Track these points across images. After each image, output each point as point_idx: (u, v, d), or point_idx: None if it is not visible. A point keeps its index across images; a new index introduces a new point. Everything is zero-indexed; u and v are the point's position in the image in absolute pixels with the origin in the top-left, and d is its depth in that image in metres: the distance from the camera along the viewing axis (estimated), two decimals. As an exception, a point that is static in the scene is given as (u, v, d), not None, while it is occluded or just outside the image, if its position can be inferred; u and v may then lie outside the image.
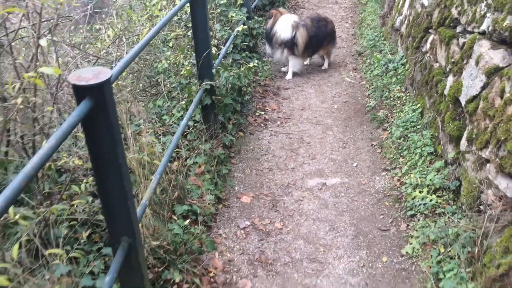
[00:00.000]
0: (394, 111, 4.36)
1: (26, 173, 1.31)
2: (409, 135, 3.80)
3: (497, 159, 2.47)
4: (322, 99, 5.20)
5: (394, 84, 4.64)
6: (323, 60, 6.04)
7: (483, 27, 2.99)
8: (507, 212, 2.42)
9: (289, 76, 5.72)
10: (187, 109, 3.69)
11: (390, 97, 4.56)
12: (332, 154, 4.14)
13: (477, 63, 2.94)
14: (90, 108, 1.63)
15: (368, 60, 5.71)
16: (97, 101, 1.64)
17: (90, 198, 2.58)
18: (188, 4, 3.52)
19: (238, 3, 5.40)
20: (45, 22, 2.61)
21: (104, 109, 1.67)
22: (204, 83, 3.52)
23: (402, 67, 4.75)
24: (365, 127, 4.52)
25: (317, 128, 4.59)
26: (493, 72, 2.75)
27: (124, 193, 1.90)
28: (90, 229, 2.52)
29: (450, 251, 2.62)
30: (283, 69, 5.92)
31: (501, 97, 2.55)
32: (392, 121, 4.22)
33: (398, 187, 3.48)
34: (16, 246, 1.87)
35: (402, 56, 4.86)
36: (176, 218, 2.92)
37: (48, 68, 1.61)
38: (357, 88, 5.38)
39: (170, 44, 4.75)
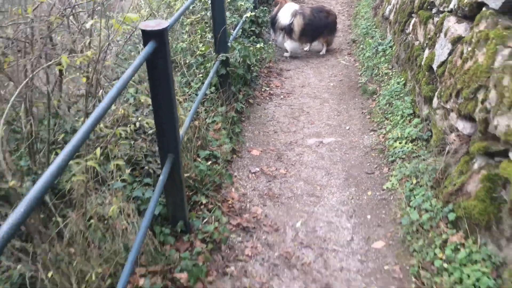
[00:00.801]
0: (382, 85, 5.05)
1: (113, 94, 1.93)
2: (393, 102, 4.49)
3: (456, 106, 3.16)
4: (320, 78, 5.89)
5: (382, 63, 5.33)
6: (323, 47, 6.72)
7: (451, 6, 3.68)
8: (463, 146, 3.10)
9: (286, 54, 6.44)
10: (202, 83, 4.35)
11: (379, 74, 5.25)
12: (328, 121, 4.82)
13: (445, 35, 3.63)
14: (154, 48, 2.31)
15: (361, 46, 6.40)
16: (159, 42, 2.32)
17: (132, 142, 3.27)
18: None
19: (246, -7, 6.10)
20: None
21: (163, 49, 2.35)
22: (220, 55, 4.20)
23: (390, 48, 5.45)
24: (357, 99, 5.21)
25: (315, 101, 5.28)
26: (457, 41, 3.44)
27: (172, 118, 2.58)
28: (131, 167, 3.19)
29: (419, 181, 3.30)
30: (285, 54, 6.61)
31: (461, 58, 3.24)
32: (380, 93, 4.90)
33: (382, 142, 4.16)
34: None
35: (390, 39, 5.56)
36: (200, 160, 3.60)
37: (132, 14, 2.27)
38: (351, 69, 6.07)
39: (187, 29, 5.44)
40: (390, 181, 3.61)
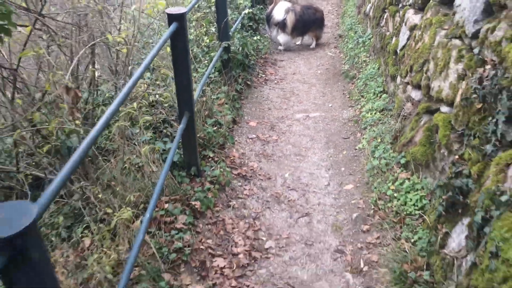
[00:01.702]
0: (360, 70, 5.90)
1: (147, 61, 2.80)
2: (368, 83, 5.34)
3: (411, 79, 4.01)
4: (309, 67, 6.74)
5: (362, 52, 6.18)
6: (312, 41, 7.58)
7: (411, 1, 4.54)
8: (415, 110, 3.95)
9: (280, 47, 7.30)
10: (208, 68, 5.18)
11: (359, 62, 6.10)
12: (314, 100, 5.67)
13: (406, 24, 4.48)
14: (176, 28, 3.15)
15: (346, 40, 7.26)
16: (180, 23, 3.16)
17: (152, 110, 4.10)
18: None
19: (244, -7, 6.97)
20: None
21: (183, 28, 3.19)
22: (223, 42, 5.05)
23: (369, 40, 6.30)
24: (340, 83, 6.06)
25: (304, 85, 6.13)
26: (413, 28, 4.29)
27: (189, 81, 3.41)
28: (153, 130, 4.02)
29: (382, 139, 4.15)
30: (280, 47, 7.46)
31: (414, 41, 4.10)
32: (359, 77, 5.76)
33: (358, 115, 5.01)
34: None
35: (369, 33, 6.41)
36: (208, 125, 4.44)
37: (162, 1, 3.12)
38: (337, 59, 6.93)
39: (193, 24, 6.30)
40: (361, 142, 4.45)
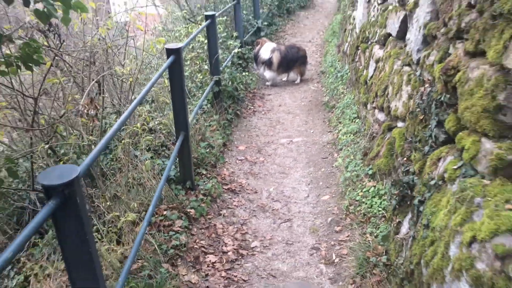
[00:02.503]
0: (339, 100, 6.56)
1: (147, 88, 3.42)
2: (345, 111, 5.97)
3: (376, 103, 4.64)
4: (293, 100, 7.41)
5: (340, 85, 6.87)
6: (297, 77, 8.29)
7: (376, 38, 5.25)
8: (380, 129, 4.55)
9: (268, 83, 7.99)
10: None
11: (337, 93, 6.77)
12: (297, 128, 6.28)
13: (373, 57, 5.17)
14: (174, 59, 3.77)
15: (327, 75, 7.98)
16: (176, 56, 3.78)
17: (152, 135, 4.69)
18: (205, 29, 5.77)
19: (234, 35, 7.72)
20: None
21: (179, 60, 3.81)
22: (215, 76, 5.70)
23: (346, 74, 7.00)
24: (321, 113, 6.71)
25: (289, 115, 6.76)
26: (378, 61, 4.97)
27: (184, 105, 4.00)
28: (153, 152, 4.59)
29: (355, 156, 4.73)
30: (267, 83, 8.16)
31: (378, 71, 4.76)
32: (337, 106, 6.40)
33: (335, 138, 5.61)
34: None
35: (347, 68, 7.13)
36: (201, 147, 5.00)
37: (161, 39, 3.76)
38: (319, 92, 7.61)
39: (188, 63, 7.00)
40: (337, 161, 5.02)
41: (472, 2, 2.58)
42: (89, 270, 1.87)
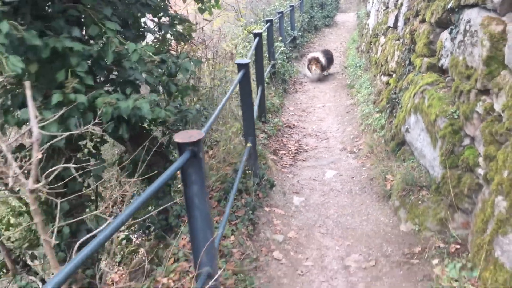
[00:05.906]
0: (358, 81, 9.15)
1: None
2: (362, 85, 8.55)
3: (382, 71, 7.22)
4: (324, 84, 10.04)
5: (358, 71, 9.48)
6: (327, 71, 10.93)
7: (381, 32, 7.85)
8: (384, 86, 7.12)
9: (306, 77, 10.65)
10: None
11: (356, 76, 9.38)
12: (328, 99, 8.89)
13: (380, 44, 7.76)
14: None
15: (349, 68, 10.60)
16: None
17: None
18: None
19: (280, 39, 10.48)
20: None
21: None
22: (272, 61, 8.38)
23: (363, 64, 9.61)
24: (344, 90, 9.31)
25: (321, 93, 9.38)
26: (383, 44, 7.56)
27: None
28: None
29: (367, 104, 7.28)
30: (306, 77, 10.80)
31: (382, 50, 7.36)
32: (357, 84, 8.99)
33: (355, 102, 8.17)
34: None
35: (363, 60, 9.73)
36: (267, 102, 7.63)
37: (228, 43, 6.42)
38: (343, 80, 10.23)
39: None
40: (356, 112, 7.59)
41: (422, -3, 5.20)
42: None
